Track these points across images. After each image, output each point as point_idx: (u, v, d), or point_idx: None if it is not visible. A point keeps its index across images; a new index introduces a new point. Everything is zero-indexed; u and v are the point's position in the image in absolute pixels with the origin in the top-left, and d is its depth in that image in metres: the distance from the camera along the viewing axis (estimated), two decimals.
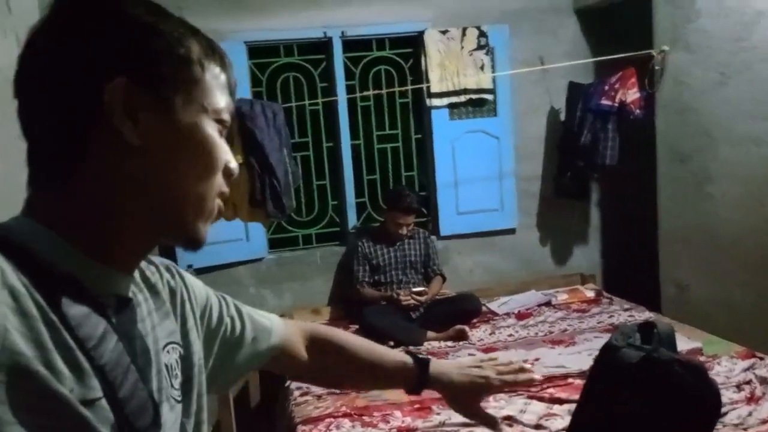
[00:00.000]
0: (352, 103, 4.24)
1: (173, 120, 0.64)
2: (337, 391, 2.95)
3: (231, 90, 0.71)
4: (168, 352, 0.73)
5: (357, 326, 3.73)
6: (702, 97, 3.38)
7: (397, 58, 4.30)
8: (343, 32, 4.11)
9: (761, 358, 2.93)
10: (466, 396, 1.11)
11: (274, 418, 3.32)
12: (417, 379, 1.08)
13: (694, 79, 3.42)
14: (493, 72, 4.18)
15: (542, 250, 4.56)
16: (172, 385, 0.72)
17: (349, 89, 4.18)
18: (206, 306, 0.88)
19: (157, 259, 0.82)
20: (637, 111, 3.74)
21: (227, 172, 0.70)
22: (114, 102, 0.61)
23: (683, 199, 3.62)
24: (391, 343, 3.37)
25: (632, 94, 3.75)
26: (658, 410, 1.77)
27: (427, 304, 3.86)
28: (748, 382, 2.76)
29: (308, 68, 4.20)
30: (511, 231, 4.47)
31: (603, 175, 4.26)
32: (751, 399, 2.64)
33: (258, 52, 4.12)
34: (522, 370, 1.14)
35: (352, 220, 4.29)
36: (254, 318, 0.97)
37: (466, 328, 3.70)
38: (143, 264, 0.76)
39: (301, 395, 2.98)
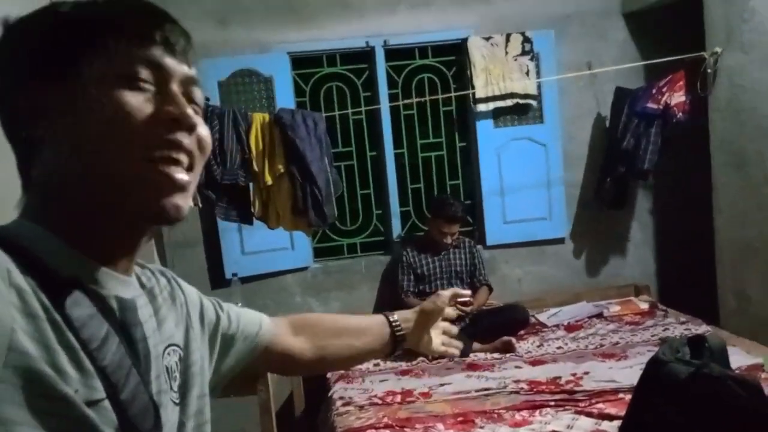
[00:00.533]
0: (395, 112, 4.22)
1: (80, 104, 0.63)
2: (380, 402, 2.91)
3: (157, 40, 0.67)
4: (168, 354, 0.73)
5: None
6: (760, 98, 3.22)
7: (440, 66, 4.26)
8: (385, 41, 4.10)
9: None
10: (422, 327, 1.15)
11: (317, 428, 3.30)
12: (391, 336, 1.12)
13: (751, 80, 3.26)
14: (538, 78, 4.10)
15: (594, 259, 4.44)
16: (171, 388, 0.72)
17: (392, 98, 4.16)
18: (201, 306, 0.89)
19: (150, 265, 0.82)
20: (680, 114, 3.60)
21: (164, 120, 0.66)
22: (28, 105, 0.64)
23: (742, 206, 3.45)
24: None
25: (678, 97, 3.62)
26: (708, 427, 1.67)
27: (473, 314, 3.79)
28: None
29: (351, 78, 4.21)
30: (561, 240, 4.36)
31: (656, 182, 4.09)
32: None
33: (301, 62, 4.15)
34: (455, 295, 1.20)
35: (397, 229, 4.26)
36: (244, 317, 0.98)
37: (513, 339, 3.61)
38: (138, 270, 0.77)
39: (344, 405, 2.96)
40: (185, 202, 0.67)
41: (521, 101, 4.10)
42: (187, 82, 0.69)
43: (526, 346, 3.63)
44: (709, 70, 3.45)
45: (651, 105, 3.67)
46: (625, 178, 4.03)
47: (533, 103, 4.14)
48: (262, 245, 3.95)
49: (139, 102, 0.64)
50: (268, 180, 3.35)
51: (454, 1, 4.14)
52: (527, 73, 4.10)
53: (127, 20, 0.66)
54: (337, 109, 4.07)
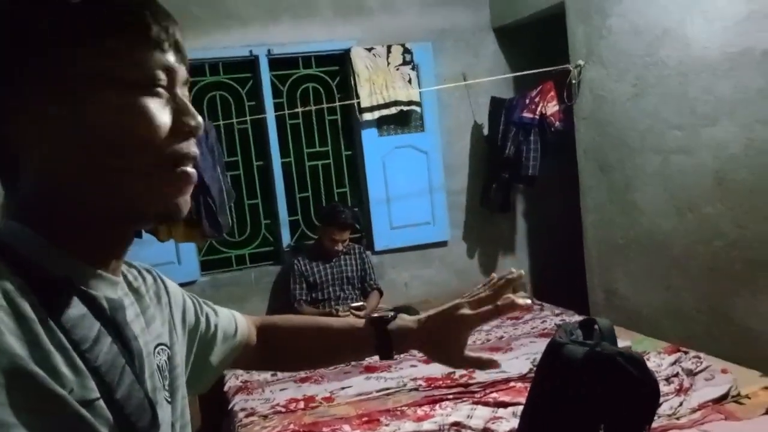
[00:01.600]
0: (281, 121, 4.23)
1: (80, 107, 0.60)
2: (283, 410, 2.91)
3: (169, 43, 0.64)
4: (158, 353, 0.73)
5: None
6: (618, 109, 3.58)
7: (325, 76, 4.33)
8: (269, 50, 4.12)
9: (686, 352, 3.09)
10: (445, 339, 0.96)
11: None
12: (376, 337, 0.98)
13: (609, 92, 3.62)
14: (419, 87, 4.28)
15: (474, 261, 4.68)
16: (164, 387, 0.72)
17: (278, 107, 4.17)
18: (184, 307, 0.88)
19: (137, 263, 0.82)
20: (557, 123, 3.92)
21: (183, 131, 0.65)
22: (26, 104, 0.60)
23: (607, 208, 3.80)
24: None
25: (552, 107, 3.93)
26: (605, 401, 1.85)
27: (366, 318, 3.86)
28: (676, 375, 2.91)
29: (235, 87, 4.17)
30: (444, 243, 4.56)
31: (528, 187, 4.42)
32: (680, 390, 2.79)
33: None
34: (504, 285, 0.99)
35: (286, 238, 4.27)
36: (222, 315, 0.98)
37: None
38: (125, 268, 0.75)
39: (246, 416, 2.92)
40: (189, 200, 0.68)
41: (405, 108, 4.26)
42: (185, 85, 0.68)
43: None
44: (574, 82, 3.79)
45: (527, 114, 3.96)
46: (509, 183, 4.30)
47: (417, 109, 4.31)
48: (147, 260, 3.76)
49: (158, 109, 0.63)
50: None
51: (336, 12, 4.23)
52: (409, 81, 4.27)
53: (143, 19, 0.62)
54: (222, 119, 4.02)
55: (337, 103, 4.18)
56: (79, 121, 0.60)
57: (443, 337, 0.96)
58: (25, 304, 0.55)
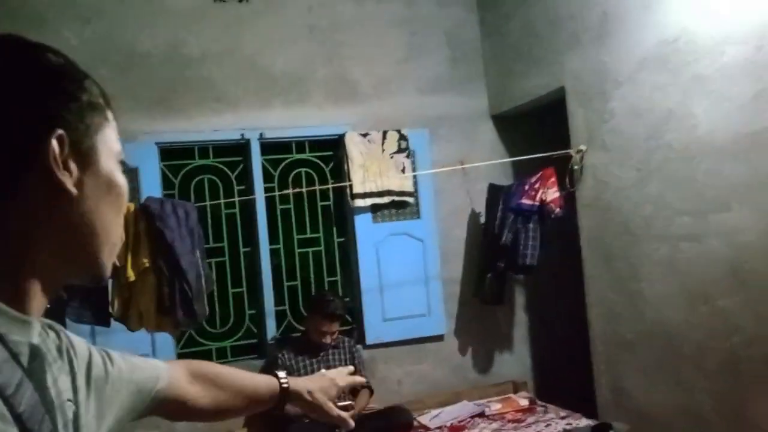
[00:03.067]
0: (271, 207, 4.06)
1: (97, 167, 0.67)
2: None
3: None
4: (66, 408, 0.71)
5: None
6: (622, 194, 3.41)
7: (318, 161, 4.21)
8: (261, 134, 4.01)
9: None
10: (320, 398, 1.26)
11: None
12: (280, 396, 1.19)
13: (613, 177, 3.46)
14: (414, 173, 4.15)
15: (472, 357, 4.38)
16: None
17: (268, 192, 4.01)
18: (89, 362, 0.84)
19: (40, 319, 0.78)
20: (558, 209, 3.74)
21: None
22: (53, 153, 0.63)
23: (612, 299, 3.56)
24: None
25: (552, 193, 3.76)
26: None
27: (355, 419, 3.54)
28: None
29: (225, 171, 4.03)
30: (440, 337, 4.28)
31: (529, 277, 4.18)
32: None
33: (171, 153, 3.93)
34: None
35: (272, 330, 4.00)
36: (139, 366, 0.96)
37: None
38: None
39: None
40: None
41: (397, 198, 4.11)
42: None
43: None
44: (575, 167, 3.64)
45: (526, 201, 3.78)
46: (505, 273, 4.07)
47: (409, 200, 4.16)
48: (118, 351, 3.51)
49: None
50: (131, 275, 3.02)
51: (329, 98, 4.16)
52: (403, 170, 4.13)
53: (107, 101, 0.72)
54: (209, 202, 3.85)
55: (330, 185, 4.03)
56: (82, 184, 0.66)
57: (320, 398, 1.27)
58: None
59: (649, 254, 3.28)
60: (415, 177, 4.18)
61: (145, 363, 0.98)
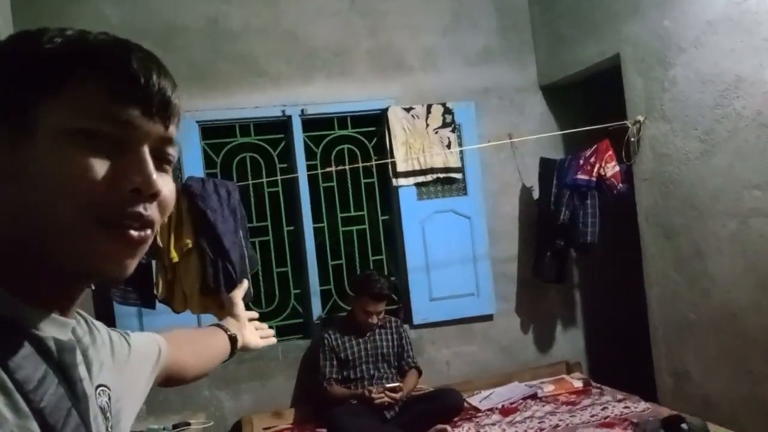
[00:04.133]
0: (314, 185, 3.97)
1: (30, 151, 0.59)
2: None
3: (135, 96, 0.62)
4: (99, 394, 0.72)
5: (325, 430, 3.31)
6: (684, 168, 3.21)
7: (361, 137, 4.09)
8: (302, 110, 3.90)
9: None
10: (250, 343, 1.36)
11: None
12: (231, 350, 1.28)
13: (674, 149, 3.26)
14: (460, 148, 4.00)
15: (523, 337, 4.25)
16: (107, 428, 0.72)
17: (310, 169, 3.92)
18: (111, 344, 0.84)
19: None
20: (620, 185, 3.55)
21: (126, 189, 0.61)
22: None
23: (674, 279, 3.37)
24: None
25: (612, 168, 3.57)
26: None
27: (403, 401, 3.46)
28: None
29: (266, 148, 3.95)
30: (489, 317, 4.15)
31: (586, 255, 4.00)
32: None
33: (212, 131, 3.86)
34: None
35: (317, 309, 3.93)
36: (144, 340, 0.98)
37: (448, 428, 3.30)
38: None
39: None
40: (134, 261, 0.64)
41: (441, 175, 3.98)
42: (161, 143, 0.65)
43: None
44: (632, 139, 3.44)
45: (582, 176, 3.60)
46: (565, 252, 3.91)
47: (455, 176, 4.02)
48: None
49: (96, 163, 0.60)
50: (174, 256, 2.97)
51: (373, 71, 4.02)
52: (449, 146, 3.99)
53: (100, 66, 0.60)
54: (251, 181, 3.77)
55: (373, 162, 3.90)
56: (17, 169, 0.59)
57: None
58: None
59: (715, 231, 3.09)
60: (461, 152, 4.02)
61: (145, 336, 1.01)
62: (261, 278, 3.86)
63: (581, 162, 3.64)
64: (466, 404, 3.64)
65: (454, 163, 4.03)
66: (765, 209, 2.81)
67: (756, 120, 2.79)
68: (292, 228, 3.97)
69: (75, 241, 0.59)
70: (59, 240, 0.59)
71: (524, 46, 4.29)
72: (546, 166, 3.96)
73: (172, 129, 0.66)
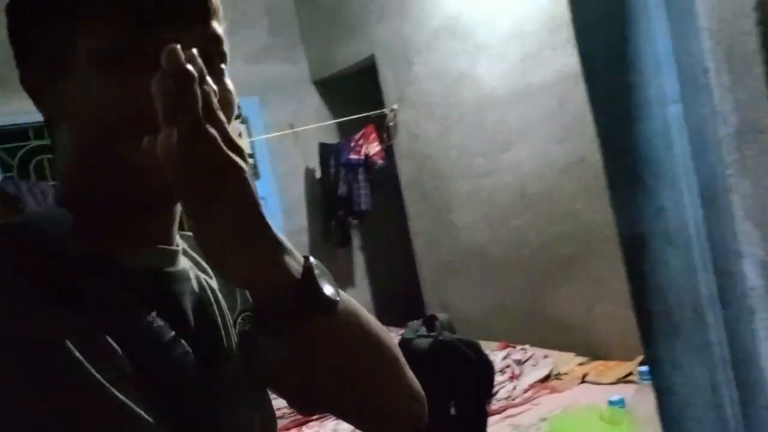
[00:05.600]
0: None
1: (76, 84, 0.58)
2: None
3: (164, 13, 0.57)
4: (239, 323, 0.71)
5: None
6: (431, 144, 4.08)
7: None
8: None
9: (513, 347, 3.59)
10: None
11: None
12: None
13: (422, 130, 4.12)
14: (249, 138, 4.53)
15: None
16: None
17: None
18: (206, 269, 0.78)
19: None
20: (380, 161, 4.36)
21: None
22: (30, 79, 0.61)
23: (432, 230, 4.27)
24: None
25: (374, 148, 4.37)
26: (452, 382, 2.20)
27: None
28: (508, 366, 3.39)
29: None
30: None
31: (362, 221, 4.80)
32: (513, 377, 3.26)
33: (4, 136, 3.96)
34: None
35: None
36: None
37: None
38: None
39: None
40: None
41: None
42: (206, 44, 0.59)
43: None
44: (391, 124, 4.25)
45: (353, 156, 4.37)
46: (345, 219, 4.67)
47: (249, 161, 4.54)
48: None
49: (141, 80, 0.53)
50: None
51: None
52: (240, 135, 4.50)
53: None
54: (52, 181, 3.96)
55: None
56: (69, 105, 0.59)
57: None
58: (57, 284, 0.52)
59: (456, 190, 4.00)
60: (251, 141, 4.56)
61: None
62: None
63: (352, 144, 4.41)
64: None
65: (246, 150, 4.53)
66: (488, 171, 3.76)
67: (475, 105, 3.71)
68: None
69: (140, 157, 0.54)
70: (126, 164, 0.57)
71: (295, 44, 4.91)
72: (325, 149, 4.67)
73: (214, 25, 0.62)
